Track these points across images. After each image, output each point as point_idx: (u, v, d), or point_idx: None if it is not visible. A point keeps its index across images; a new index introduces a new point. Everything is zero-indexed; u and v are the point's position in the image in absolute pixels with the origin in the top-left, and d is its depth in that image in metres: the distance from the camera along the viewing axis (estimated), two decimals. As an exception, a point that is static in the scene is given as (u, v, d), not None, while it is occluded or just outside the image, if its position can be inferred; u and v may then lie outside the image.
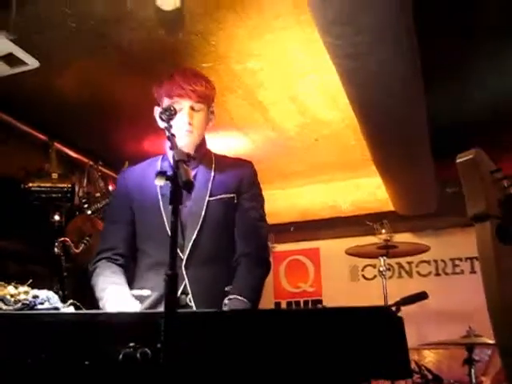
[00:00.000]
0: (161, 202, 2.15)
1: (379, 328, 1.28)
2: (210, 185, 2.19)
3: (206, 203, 2.15)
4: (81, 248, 4.14)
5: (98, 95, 4.03)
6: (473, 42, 3.34)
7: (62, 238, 3.99)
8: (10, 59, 2.91)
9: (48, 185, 4.35)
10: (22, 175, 4.30)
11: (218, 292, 2.07)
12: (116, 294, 2.00)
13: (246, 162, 2.35)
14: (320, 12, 2.35)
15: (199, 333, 1.33)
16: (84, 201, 4.64)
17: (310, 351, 1.29)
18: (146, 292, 2.10)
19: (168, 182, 1.36)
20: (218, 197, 2.18)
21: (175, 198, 1.32)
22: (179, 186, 1.32)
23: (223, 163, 2.30)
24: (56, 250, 3.95)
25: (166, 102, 2.18)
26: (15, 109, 4.10)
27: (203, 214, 2.13)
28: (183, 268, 2.06)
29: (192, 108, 2.16)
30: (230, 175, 2.25)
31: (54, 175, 4.40)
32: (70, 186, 4.45)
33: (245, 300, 2.00)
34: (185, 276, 2.05)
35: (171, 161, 2.18)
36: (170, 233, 2.05)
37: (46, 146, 4.52)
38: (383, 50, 2.53)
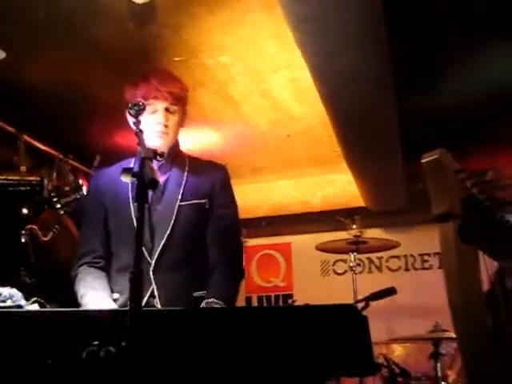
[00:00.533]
0: (131, 205, 2.12)
1: (344, 326, 1.29)
2: (181, 189, 2.15)
3: (176, 208, 2.12)
4: (49, 236, 4.10)
5: (69, 88, 3.97)
6: (445, 39, 3.37)
7: (30, 226, 3.94)
8: (-24, 51, 2.85)
9: (16, 178, 4.28)
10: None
11: (185, 297, 2.05)
12: (95, 300, 1.99)
13: (220, 166, 2.30)
14: (291, 8, 2.35)
15: (164, 331, 1.33)
16: (53, 194, 4.56)
17: (276, 349, 1.30)
18: (114, 295, 2.07)
19: (134, 179, 1.35)
20: (190, 202, 2.15)
21: (141, 196, 1.31)
22: (144, 185, 1.30)
23: (196, 166, 2.26)
24: (23, 238, 3.90)
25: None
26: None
27: (173, 218, 2.09)
28: (151, 273, 2.03)
29: (167, 110, 2.14)
30: (203, 179, 2.21)
31: (23, 168, 4.34)
32: (38, 179, 4.38)
33: (223, 304, 1.99)
34: (152, 281, 2.02)
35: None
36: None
37: (14, 138, 4.44)
38: (354, 48, 2.55)
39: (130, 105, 1.90)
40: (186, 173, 2.20)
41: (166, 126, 2.12)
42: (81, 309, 1.78)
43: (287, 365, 1.30)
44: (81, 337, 1.29)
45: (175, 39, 3.46)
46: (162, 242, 2.07)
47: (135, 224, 2.03)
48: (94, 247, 2.18)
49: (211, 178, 2.22)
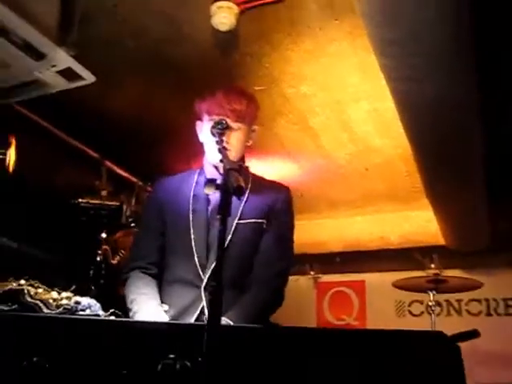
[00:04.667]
0: (191, 218, 2.09)
1: (434, 354, 1.19)
2: (241, 207, 2.09)
3: (234, 225, 2.05)
4: (116, 259, 4.16)
5: (151, 115, 4.07)
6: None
7: (105, 247, 4.02)
8: (68, 74, 2.96)
9: (97, 202, 4.40)
10: (72, 191, 4.37)
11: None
12: (144, 307, 1.94)
13: (283, 187, 2.25)
14: (377, 32, 2.31)
15: (241, 348, 1.27)
16: (131, 220, 4.66)
17: (358, 374, 1.21)
18: (164, 307, 2.01)
19: (217, 190, 1.32)
20: (248, 220, 2.09)
21: (224, 207, 1.28)
22: (229, 194, 1.27)
23: (259, 185, 2.20)
24: (98, 257, 4.00)
25: (205, 118, 2.15)
26: (70, 126, 4.18)
27: (230, 236, 2.03)
28: (202, 289, 1.99)
29: (230, 127, 2.09)
30: (264, 199, 2.15)
31: (104, 193, 4.45)
32: (118, 204, 4.49)
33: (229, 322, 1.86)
34: (203, 298, 1.97)
35: (207, 175, 2.16)
36: (195, 250, 2.02)
37: (97, 163, 4.59)
38: (441, 74, 2.46)
39: (213, 123, 1.90)
40: (247, 190, 2.13)
41: (227, 143, 2.02)
42: (158, 320, 1.75)
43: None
44: (157, 349, 1.25)
45: (257, 67, 3.49)
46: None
47: (192, 237, 2.04)
48: (149, 253, 2.14)
49: (272, 199, 2.16)
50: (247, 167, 2.13)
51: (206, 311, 1.93)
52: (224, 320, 1.84)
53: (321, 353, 1.22)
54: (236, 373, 1.25)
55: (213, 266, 1.98)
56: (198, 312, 1.96)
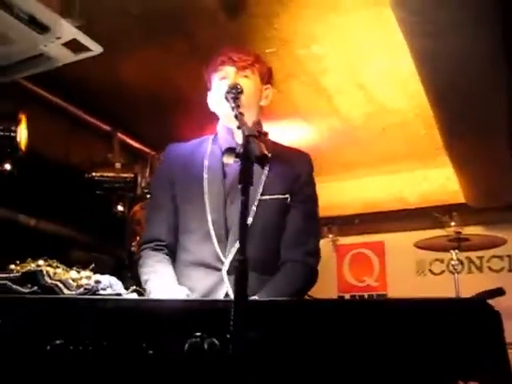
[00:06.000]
0: (206, 194, 1.95)
1: (473, 323, 1.13)
2: (263, 181, 1.95)
3: (256, 202, 1.92)
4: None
5: (160, 84, 3.99)
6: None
7: (138, 237, 3.97)
8: (74, 45, 2.89)
9: (111, 174, 4.36)
10: (86, 165, 4.33)
11: None
12: (159, 285, 1.84)
13: (305, 156, 2.10)
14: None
15: (269, 323, 1.22)
16: (146, 191, 4.62)
17: (391, 346, 1.16)
18: (185, 290, 1.85)
19: (237, 159, 1.25)
20: (271, 196, 1.95)
21: (245, 177, 1.21)
22: (251, 163, 1.20)
23: (280, 154, 2.02)
24: (133, 248, 3.98)
25: (214, 78, 2.04)
26: (80, 99, 4.12)
27: (252, 213, 1.89)
28: (224, 273, 1.87)
29: (237, 73, 1.97)
30: (287, 170, 2.00)
31: (117, 165, 4.41)
32: (132, 176, 4.45)
33: None
34: (227, 281, 1.86)
35: (222, 145, 2.01)
36: (213, 230, 1.88)
37: (109, 136, 4.54)
38: (464, 27, 2.34)
39: (227, 89, 1.81)
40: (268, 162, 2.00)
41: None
42: (183, 298, 1.70)
43: (407, 364, 1.16)
44: (183, 327, 1.21)
45: (266, 29, 3.37)
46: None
47: (208, 213, 1.89)
48: (159, 235, 2.00)
49: (296, 170, 2.02)
50: (266, 133, 2.00)
51: (232, 294, 1.76)
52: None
53: (357, 325, 1.17)
54: (264, 349, 1.21)
55: (234, 247, 1.87)
56: (222, 297, 1.84)
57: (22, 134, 3.48)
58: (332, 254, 6.13)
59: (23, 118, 3.49)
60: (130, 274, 3.45)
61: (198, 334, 1.20)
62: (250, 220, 1.85)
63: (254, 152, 1.21)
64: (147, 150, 4.89)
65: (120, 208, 4.53)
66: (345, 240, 6.12)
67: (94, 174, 4.30)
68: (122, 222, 4.53)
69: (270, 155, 1.92)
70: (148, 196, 4.60)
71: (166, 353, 1.21)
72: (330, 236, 6.07)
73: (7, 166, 3.52)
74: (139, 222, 4.07)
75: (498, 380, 1.10)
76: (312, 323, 1.20)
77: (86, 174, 4.29)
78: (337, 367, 1.19)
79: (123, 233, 4.50)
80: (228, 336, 1.13)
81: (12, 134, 3.44)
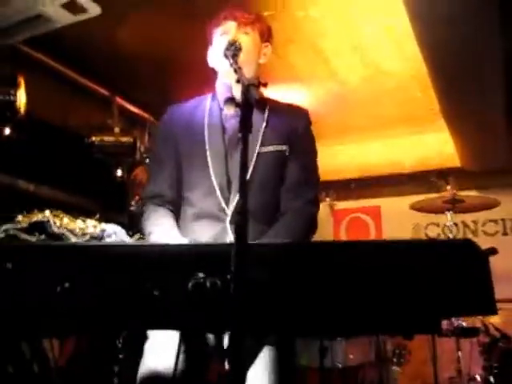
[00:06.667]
0: (207, 150, 2.00)
1: (462, 261, 1.20)
2: (261, 133, 2.01)
3: (255, 154, 1.97)
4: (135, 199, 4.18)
5: (159, 47, 3.98)
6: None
7: (137, 197, 4.00)
8: (72, 6, 2.89)
9: (110, 139, 4.38)
10: (85, 130, 4.35)
11: None
12: (163, 237, 1.89)
13: (302, 110, 2.17)
14: None
15: (270, 264, 1.28)
16: (145, 156, 4.65)
17: (389, 285, 1.22)
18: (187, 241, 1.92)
19: (237, 109, 1.29)
20: (270, 148, 2.01)
21: (245, 125, 1.25)
22: (250, 111, 1.24)
23: (277, 109, 2.11)
24: (133, 207, 4.01)
25: (215, 33, 2.08)
26: (79, 64, 4.12)
27: (252, 166, 1.95)
28: (227, 223, 1.92)
29: (238, 29, 2.03)
30: (284, 123, 2.06)
31: (116, 130, 4.43)
32: (131, 140, 4.47)
33: None
34: (229, 231, 1.91)
35: (220, 101, 2.01)
36: (216, 183, 1.94)
37: (108, 100, 4.55)
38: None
39: (226, 45, 1.84)
40: (266, 116, 2.06)
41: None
42: (185, 242, 1.76)
43: (400, 302, 1.22)
44: (186, 270, 1.27)
45: (265, -9, 3.38)
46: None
47: (210, 167, 1.95)
48: (163, 191, 2.05)
49: (293, 123, 2.08)
50: (266, 83, 2.03)
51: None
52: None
53: (351, 265, 1.23)
54: (265, 290, 1.27)
55: (237, 198, 1.89)
56: None
57: (21, 97, 3.49)
58: (329, 218, 6.20)
59: (22, 82, 3.49)
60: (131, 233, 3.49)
61: (201, 274, 1.25)
62: (249, 172, 1.90)
63: (254, 97, 1.25)
64: (146, 115, 4.91)
65: (119, 173, 4.56)
66: (342, 204, 6.19)
67: (93, 138, 4.32)
68: (122, 186, 4.56)
69: (268, 107, 2.03)
70: (147, 161, 4.66)
71: (170, 293, 1.27)
72: (327, 200, 6.12)
73: (6, 131, 3.54)
74: (141, 184, 4.11)
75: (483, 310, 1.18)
76: (311, 263, 1.26)
77: (85, 138, 4.31)
78: (332, 304, 1.25)
79: (123, 197, 4.55)
80: (229, 277, 1.19)
81: (11, 97, 3.45)
